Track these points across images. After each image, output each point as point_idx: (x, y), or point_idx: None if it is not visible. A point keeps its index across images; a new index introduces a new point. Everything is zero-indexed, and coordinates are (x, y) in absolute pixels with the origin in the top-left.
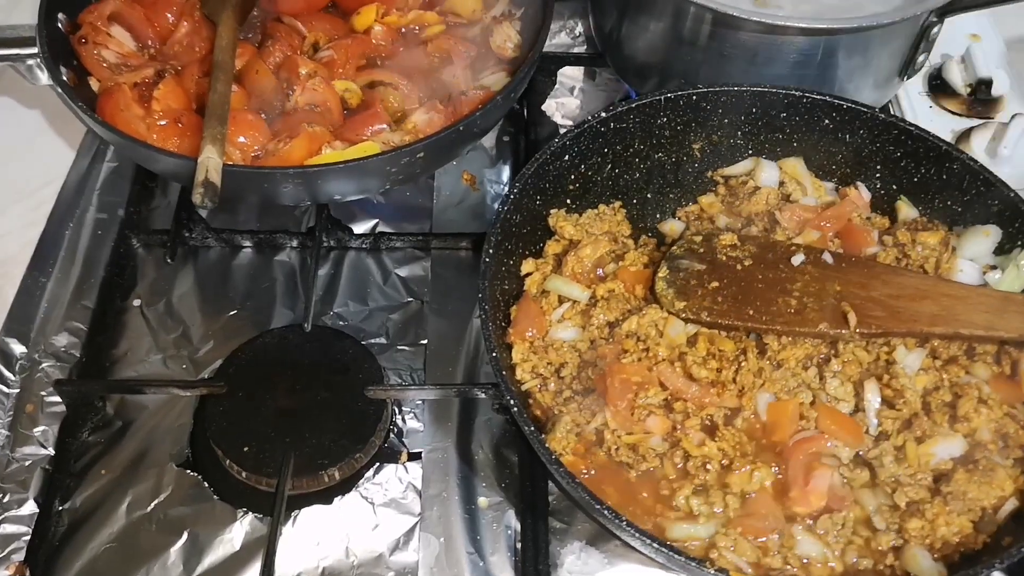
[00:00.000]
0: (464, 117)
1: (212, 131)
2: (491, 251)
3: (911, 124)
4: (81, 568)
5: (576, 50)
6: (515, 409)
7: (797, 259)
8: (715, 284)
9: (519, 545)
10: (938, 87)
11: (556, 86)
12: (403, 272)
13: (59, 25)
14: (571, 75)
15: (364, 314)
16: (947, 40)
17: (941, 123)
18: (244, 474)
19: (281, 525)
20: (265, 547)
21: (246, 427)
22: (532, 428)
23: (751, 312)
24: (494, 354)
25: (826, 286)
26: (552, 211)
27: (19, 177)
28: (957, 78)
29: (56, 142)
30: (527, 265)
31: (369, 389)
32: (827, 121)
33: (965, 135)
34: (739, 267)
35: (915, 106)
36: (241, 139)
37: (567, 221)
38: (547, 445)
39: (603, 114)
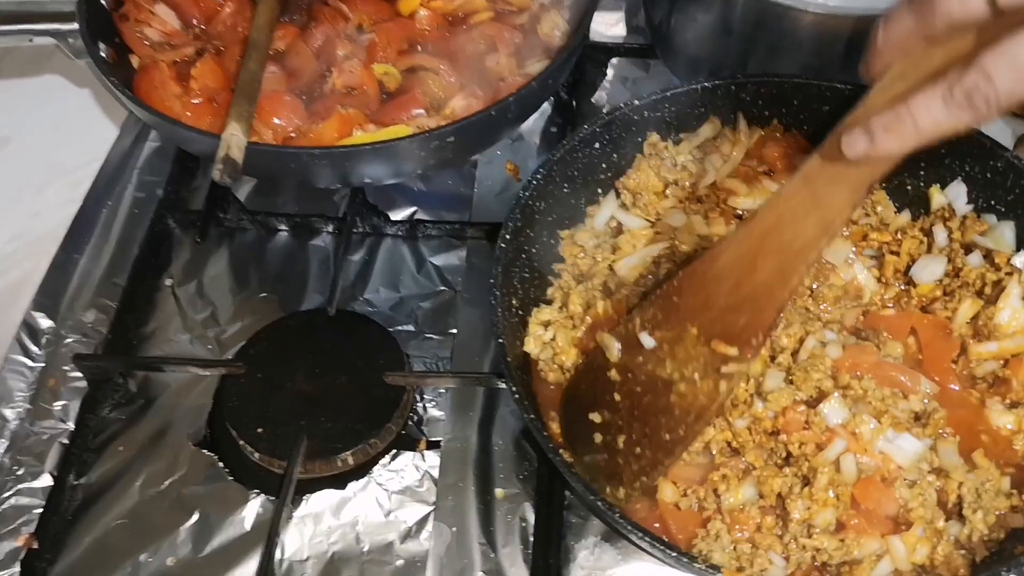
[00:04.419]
0: (497, 102)
1: (238, 108)
2: (508, 236)
3: None
4: (91, 543)
5: (632, 42)
6: (516, 396)
7: (646, 340)
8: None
9: (533, 538)
10: None
11: (608, 78)
12: (438, 261)
13: (102, 1)
14: (624, 67)
15: (394, 301)
16: None
17: (1001, 125)
18: (257, 455)
19: (291, 508)
20: (268, 530)
21: (262, 408)
22: (532, 416)
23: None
24: (500, 340)
25: (684, 339)
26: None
27: (63, 155)
28: None
29: (103, 121)
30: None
31: (388, 375)
32: None
33: None
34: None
35: None
36: (276, 120)
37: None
38: (545, 432)
39: (636, 101)
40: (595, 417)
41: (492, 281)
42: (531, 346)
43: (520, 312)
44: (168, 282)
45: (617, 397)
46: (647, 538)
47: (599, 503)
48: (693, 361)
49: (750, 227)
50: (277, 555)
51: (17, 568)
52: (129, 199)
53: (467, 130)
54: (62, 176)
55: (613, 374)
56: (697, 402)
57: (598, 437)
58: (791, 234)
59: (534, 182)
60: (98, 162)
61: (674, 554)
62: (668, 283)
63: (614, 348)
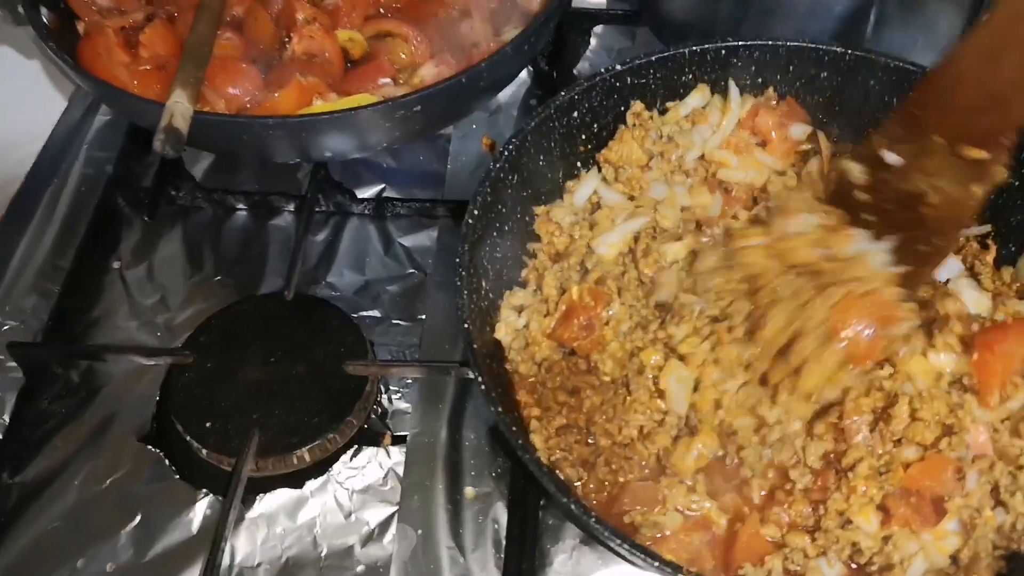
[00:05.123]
0: (467, 68)
1: (184, 74)
2: (477, 212)
3: None
4: (25, 547)
5: (617, 8)
6: (482, 387)
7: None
8: None
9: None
10: None
11: (592, 47)
12: (407, 242)
13: None
14: (609, 35)
15: (359, 285)
16: None
17: None
18: (205, 452)
19: (241, 509)
20: (214, 533)
21: (211, 401)
22: (500, 409)
23: None
24: (466, 325)
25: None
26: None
27: (9, 130)
28: None
29: (52, 94)
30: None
31: (349, 364)
32: (872, 82)
33: None
34: None
35: None
36: (231, 89)
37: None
38: (514, 428)
39: (618, 67)
40: None
41: (458, 260)
42: (502, 332)
43: (491, 295)
44: (116, 264)
45: (868, 216)
46: (625, 543)
47: (573, 505)
48: (941, 171)
49: (988, 24)
50: (226, 560)
51: None
52: (77, 176)
53: (435, 99)
54: (9, 152)
55: (860, 195)
56: (950, 211)
57: None
58: None
59: (506, 153)
60: (45, 139)
61: (656, 563)
62: (905, 99)
63: (855, 170)
